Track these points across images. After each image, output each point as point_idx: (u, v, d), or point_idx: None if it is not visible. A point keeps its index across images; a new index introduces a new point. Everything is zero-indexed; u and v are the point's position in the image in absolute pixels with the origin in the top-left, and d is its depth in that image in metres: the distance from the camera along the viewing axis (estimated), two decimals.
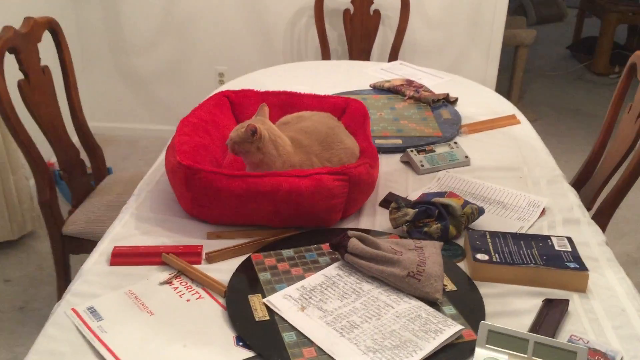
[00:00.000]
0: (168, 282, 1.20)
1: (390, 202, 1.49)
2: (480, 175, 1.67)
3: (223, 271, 1.24)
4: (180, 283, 1.20)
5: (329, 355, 1.02)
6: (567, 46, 5.59)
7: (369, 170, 1.43)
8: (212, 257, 1.27)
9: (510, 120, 2.01)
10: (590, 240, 1.39)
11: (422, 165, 1.67)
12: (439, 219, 1.36)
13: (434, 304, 1.14)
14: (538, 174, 1.69)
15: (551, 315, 1.14)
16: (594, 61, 5.18)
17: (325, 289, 1.17)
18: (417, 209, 1.36)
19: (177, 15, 3.37)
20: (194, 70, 3.51)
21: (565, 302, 1.17)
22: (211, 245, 1.32)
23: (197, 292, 1.18)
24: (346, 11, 3.04)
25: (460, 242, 1.37)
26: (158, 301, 1.15)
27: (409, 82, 2.22)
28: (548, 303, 1.17)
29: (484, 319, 1.12)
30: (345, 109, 1.75)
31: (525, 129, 1.98)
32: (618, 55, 5.10)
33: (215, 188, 1.32)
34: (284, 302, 1.13)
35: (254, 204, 1.33)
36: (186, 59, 3.48)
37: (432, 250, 1.24)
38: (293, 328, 1.07)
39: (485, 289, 1.21)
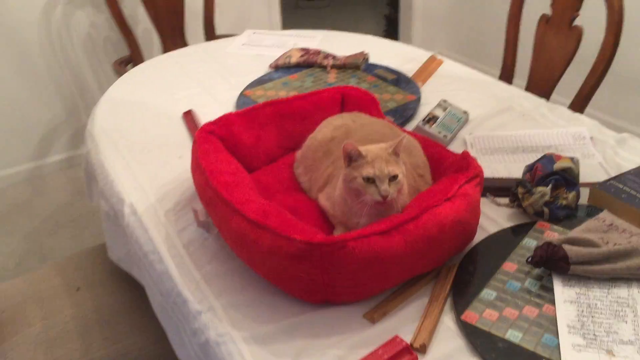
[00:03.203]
0: None
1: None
2: (491, 126, 1.54)
3: (439, 358, 0.92)
4: None
5: None
6: None
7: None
8: (423, 346, 0.93)
9: (437, 62, 1.90)
10: None
11: (444, 136, 1.47)
12: (568, 187, 1.21)
13: None
14: (530, 105, 1.63)
15: None
16: None
17: (592, 317, 0.95)
18: (550, 185, 1.18)
19: None
20: None
21: None
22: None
23: None
24: None
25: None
26: None
27: (306, 51, 1.92)
28: None
29: None
30: (343, 100, 1.41)
31: (451, 66, 1.90)
32: None
33: (372, 256, 0.94)
34: (583, 355, 0.89)
35: (417, 255, 0.99)
36: None
37: (619, 222, 1.10)
38: None
39: None
